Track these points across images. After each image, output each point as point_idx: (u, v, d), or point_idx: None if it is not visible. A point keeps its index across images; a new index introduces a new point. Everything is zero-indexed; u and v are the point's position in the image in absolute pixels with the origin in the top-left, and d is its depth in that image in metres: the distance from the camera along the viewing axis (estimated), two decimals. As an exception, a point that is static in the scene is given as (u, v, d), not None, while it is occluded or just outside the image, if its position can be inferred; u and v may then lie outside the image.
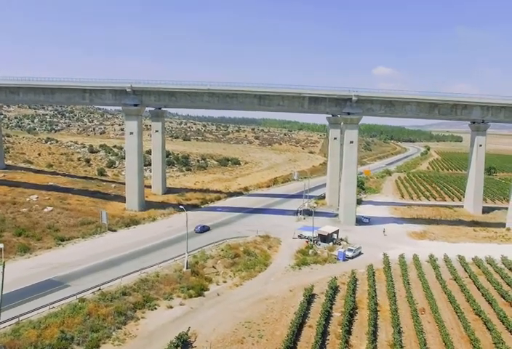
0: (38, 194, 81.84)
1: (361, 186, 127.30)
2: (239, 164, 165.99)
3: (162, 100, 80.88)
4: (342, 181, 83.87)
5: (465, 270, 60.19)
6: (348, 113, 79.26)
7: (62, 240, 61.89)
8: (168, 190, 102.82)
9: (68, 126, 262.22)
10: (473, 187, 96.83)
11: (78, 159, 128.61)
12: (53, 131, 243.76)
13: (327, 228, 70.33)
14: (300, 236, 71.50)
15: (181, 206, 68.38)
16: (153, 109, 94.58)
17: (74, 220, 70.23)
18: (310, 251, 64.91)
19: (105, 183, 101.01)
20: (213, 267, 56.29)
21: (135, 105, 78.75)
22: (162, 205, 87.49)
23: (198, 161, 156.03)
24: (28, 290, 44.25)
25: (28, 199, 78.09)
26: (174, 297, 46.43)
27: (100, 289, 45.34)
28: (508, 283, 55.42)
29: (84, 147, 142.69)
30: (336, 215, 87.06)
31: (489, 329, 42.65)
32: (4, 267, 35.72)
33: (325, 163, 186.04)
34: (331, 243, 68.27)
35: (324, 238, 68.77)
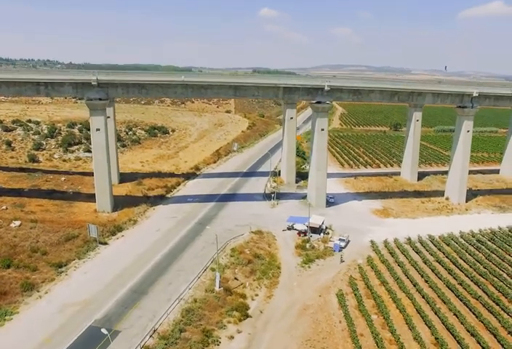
0: (-11, 203, 71.48)
1: (302, 156, 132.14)
2: (168, 133, 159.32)
3: (131, 92, 73.20)
4: (312, 166, 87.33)
5: (440, 250, 69.82)
6: (319, 102, 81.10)
7: (60, 266, 56.29)
8: (122, 178, 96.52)
9: None
10: (411, 158, 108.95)
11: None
12: None
13: (316, 219, 74.06)
14: (289, 228, 74.56)
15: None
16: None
17: (55, 236, 63.52)
18: (308, 245, 68.88)
19: (51, 176, 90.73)
20: (235, 278, 57.24)
21: (100, 99, 70.48)
22: (130, 200, 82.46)
23: (126, 132, 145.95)
24: (81, 346, 41.15)
25: (-18, 213, 67.96)
26: (226, 324, 47.09)
27: (155, 331, 43.97)
28: (478, 261, 66.14)
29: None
30: (304, 197, 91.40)
31: (492, 313, 51.89)
32: None
33: (251, 126, 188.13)
34: (322, 234, 72.82)
35: (315, 230, 72.91)
